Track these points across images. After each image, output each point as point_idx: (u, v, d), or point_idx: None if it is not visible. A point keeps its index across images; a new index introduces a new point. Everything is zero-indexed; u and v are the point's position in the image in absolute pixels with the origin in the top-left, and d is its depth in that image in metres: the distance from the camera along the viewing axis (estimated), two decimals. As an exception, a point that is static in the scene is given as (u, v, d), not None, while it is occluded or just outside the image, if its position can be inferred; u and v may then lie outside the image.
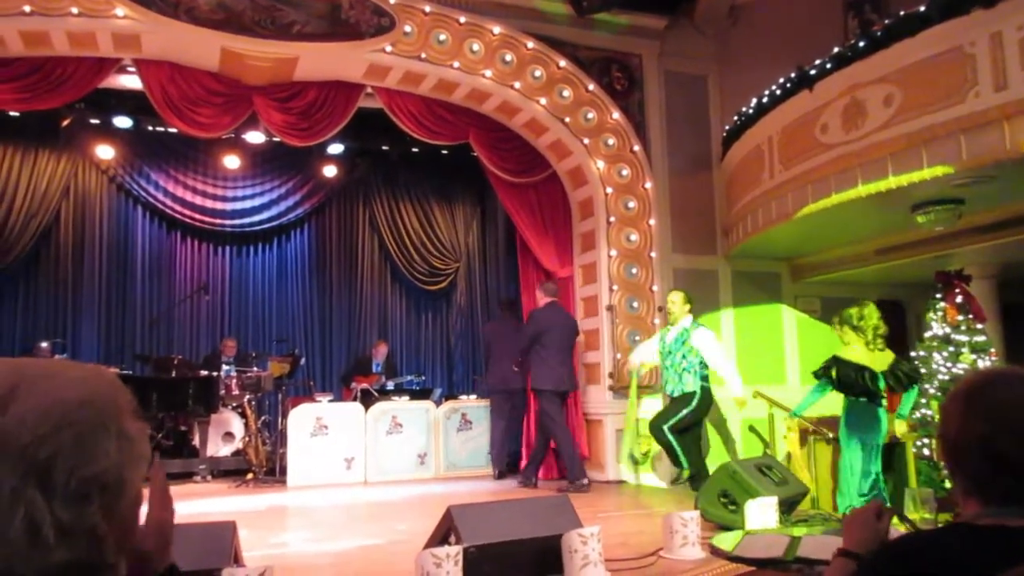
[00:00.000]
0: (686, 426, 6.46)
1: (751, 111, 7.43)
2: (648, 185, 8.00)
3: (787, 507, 4.43)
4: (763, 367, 8.29)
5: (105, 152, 9.35)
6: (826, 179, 6.48)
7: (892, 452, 6.33)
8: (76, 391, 0.85)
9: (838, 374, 5.25)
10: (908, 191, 5.99)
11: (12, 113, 7.53)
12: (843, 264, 8.26)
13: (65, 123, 8.62)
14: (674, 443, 6.42)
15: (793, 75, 6.78)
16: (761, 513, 4.03)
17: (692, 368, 6.47)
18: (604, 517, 5.15)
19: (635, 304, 7.82)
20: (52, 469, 0.79)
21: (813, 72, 6.57)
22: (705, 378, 6.47)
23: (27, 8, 6.03)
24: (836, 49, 6.43)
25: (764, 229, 7.36)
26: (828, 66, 6.43)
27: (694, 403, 6.41)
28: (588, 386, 7.97)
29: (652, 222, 7.98)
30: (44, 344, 8.49)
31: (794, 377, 8.55)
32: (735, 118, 7.78)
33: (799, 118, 6.84)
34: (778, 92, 7.03)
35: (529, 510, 3.69)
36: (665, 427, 6.43)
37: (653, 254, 7.95)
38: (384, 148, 9.92)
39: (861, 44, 6.15)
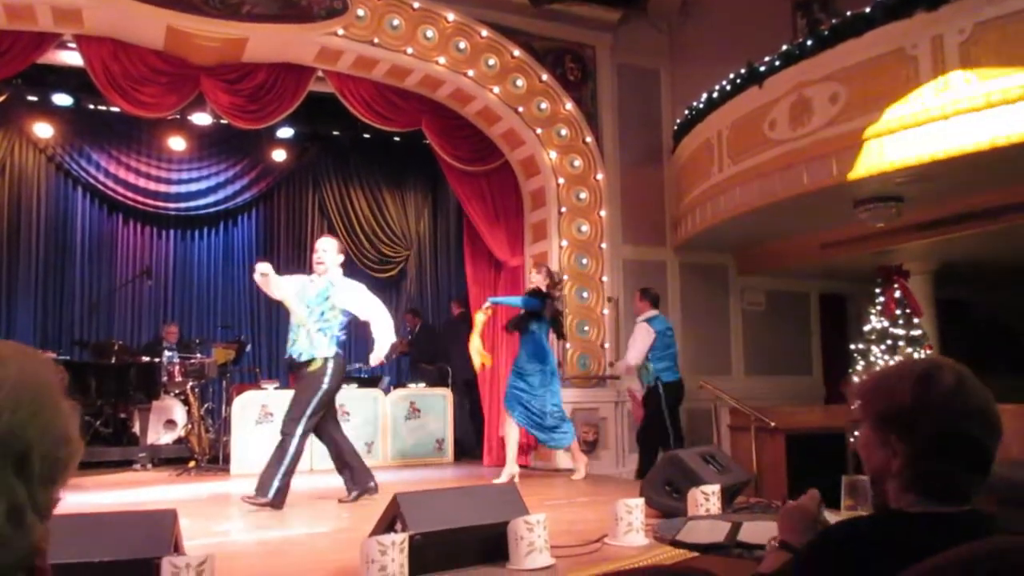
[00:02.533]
0: None
1: (701, 106, 7.53)
2: (600, 176, 8.05)
3: (730, 495, 4.51)
4: (709, 358, 8.44)
5: (43, 130, 9.06)
6: (773, 174, 6.60)
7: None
8: (33, 376, 0.85)
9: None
10: (851, 188, 6.14)
11: (-56, 87, 7.24)
12: (789, 257, 8.44)
13: (1, 99, 8.30)
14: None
15: (743, 71, 6.89)
16: (704, 500, 4.10)
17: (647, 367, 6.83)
18: (551, 505, 5.18)
19: (585, 295, 7.87)
20: (29, 455, 0.81)
21: (762, 69, 6.68)
22: None
23: (-39, -23, 5.79)
24: (785, 47, 6.55)
25: (712, 222, 7.47)
26: (777, 63, 6.55)
27: None
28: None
29: (603, 213, 8.04)
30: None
31: (738, 368, 8.72)
32: (686, 112, 7.87)
33: (748, 114, 6.95)
34: (728, 88, 7.13)
35: (476, 498, 3.69)
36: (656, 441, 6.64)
37: (604, 245, 8.01)
38: (335, 133, 9.80)
39: (809, 43, 6.27)
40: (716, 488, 4.18)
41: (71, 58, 7.04)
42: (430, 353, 9.71)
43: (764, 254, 8.63)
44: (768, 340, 8.85)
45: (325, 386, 5.21)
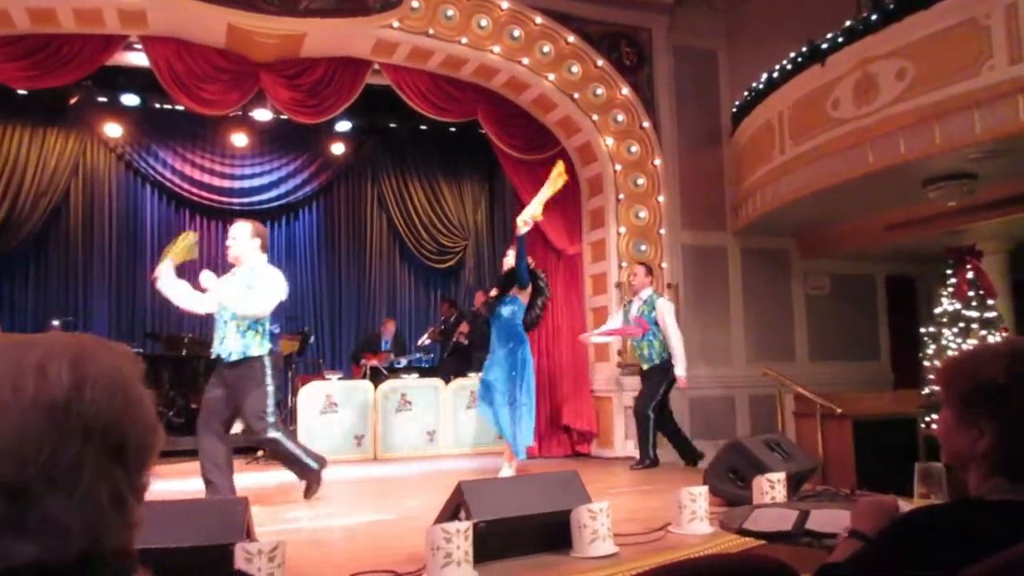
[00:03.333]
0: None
1: (761, 86, 7.37)
2: (657, 162, 7.95)
3: (795, 482, 4.44)
4: (772, 344, 8.30)
5: (113, 130, 9.35)
6: (837, 154, 6.43)
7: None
8: (120, 368, 0.90)
9: None
10: (919, 166, 5.94)
11: (20, 91, 7.51)
12: (853, 240, 8.22)
13: (73, 101, 8.62)
14: (652, 427, 6.42)
15: (804, 49, 6.71)
16: (769, 488, 4.04)
17: (660, 339, 6.46)
18: (613, 493, 5.18)
19: (644, 281, 7.79)
20: (125, 443, 0.86)
21: (824, 46, 6.50)
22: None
23: (33, -15, 6.01)
24: (848, 23, 6.35)
25: (773, 206, 7.32)
26: (840, 40, 6.36)
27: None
28: (597, 364, 7.98)
29: (661, 199, 7.95)
30: (56, 323, 8.54)
31: (803, 354, 8.54)
32: (745, 93, 7.72)
33: (810, 93, 6.78)
34: (789, 67, 6.96)
35: (538, 486, 3.71)
36: (650, 410, 6.41)
37: (662, 231, 7.92)
38: (392, 125, 9.89)
39: (873, 18, 6.07)
40: (782, 476, 4.12)
41: (137, 59, 7.23)
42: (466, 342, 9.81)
43: (828, 237, 8.42)
44: (833, 325, 8.65)
45: (270, 387, 4.78)
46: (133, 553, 0.90)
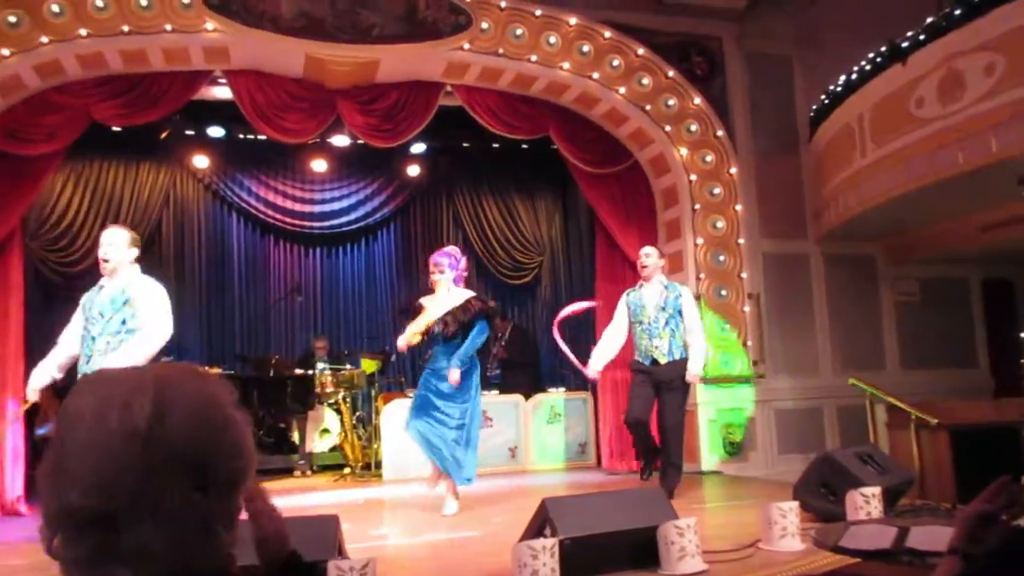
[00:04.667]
0: None
1: (839, 89, 7.19)
2: (733, 170, 7.83)
3: (891, 497, 4.28)
4: (859, 353, 8.03)
5: (201, 161, 9.75)
6: (923, 155, 6.21)
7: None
8: (200, 393, 0.92)
9: None
10: (1014, 163, 5.69)
11: (115, 128, 7.92)
12: (944, 243, 7.90)
13: (163, 135, 9.02)
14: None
15: (883, 49, 6.53)
16: (864, 503, 3.91)
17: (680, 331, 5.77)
18: (698, 508, 5.10)
19: (723, 292, 7.68)
20: (207, 469, 0.88)
21: (905, 45, 6.31)
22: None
23: (125, 28, 6.34)
24: (930, 19, 6.15)
25: (857, 211, 7.11)
26: (921, 37, 6.16)
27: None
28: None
29: (739, 208, 7.82)
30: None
31: (893, 363, 8.24)
32: (822, 97, 7.55)
33: (891, 94, 6.58)
34: (868, 68, 6.78)
35: (623, 502, 3.68)
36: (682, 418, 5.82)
37: (741, 240, 7.78)
38: (465, 145, 10.00)
39: (957, 12, 5.86)
40: (877, 490, 3.98)
41: (222, 92, 7.54)
42: (526, 355, 9.82)
43: (916, 241, 8.12)
44: (925, 331, 8.31)
45: None
46: (231, 574, 0.93)
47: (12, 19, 6.08)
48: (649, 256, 5.92)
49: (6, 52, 6.12)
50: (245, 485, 0.94)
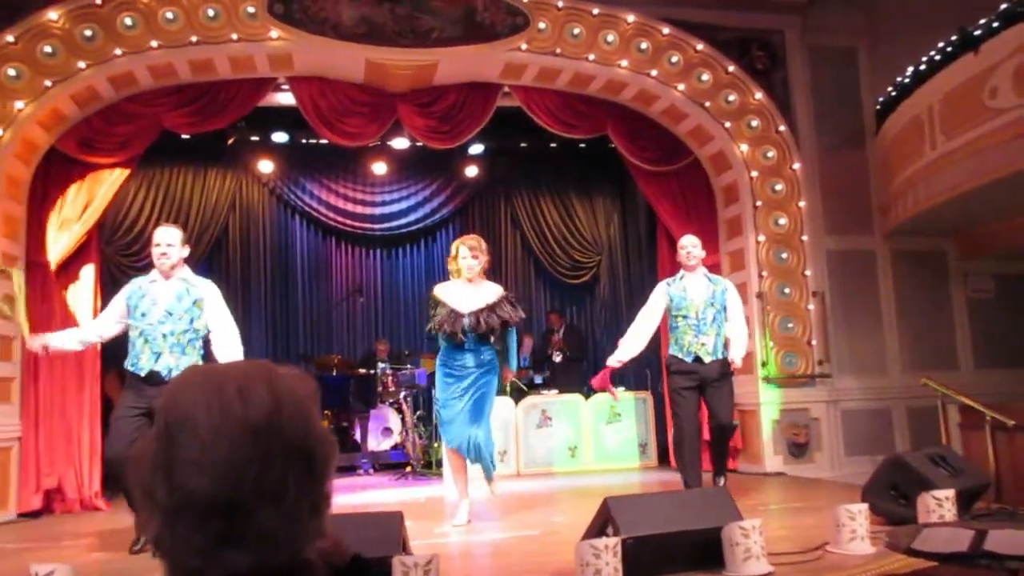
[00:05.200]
0: None
1: (907, 80, 6.99)
2: (796, 166, 7.68)
3: (966, 500, 4.14)
4: (930, 352, 7.79)
5: (265, 166, 9.99)
6: (997, 147, 5.99)
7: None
8: (298, 390, 0.98)
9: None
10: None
11: (184, 136, 8.17)
12: (1019, 237, 7.60)
13: (230, 142, 9.27)
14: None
15: (954, 38, 6.32)
16: (937, 507, 3.80)
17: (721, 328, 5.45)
18: (762, 510, 5.02)
19: (787, 290, 7.53)
20: (314, 456, 0.94)
21: (978, 33, 6.10)
22: None
23: (194, 38, 6.54)
24: (1004, 6, 5.93)
25: (926, 205, 6.90)
26: (995, 25, 5.95)
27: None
28: (740, 375, 7.75)
29: (802, 204, 7.66)
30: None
31: (967, 362, 7.96)
32: (889, 89, 7.34)
33: (963, 84, 6.36)
34: (938, 58, 6.57)
35: (686, 502, 3.66)
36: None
37: (804, 237, 7.62)
38: (523, 145, 10.03)
39: (1033, -2, 5.65)
40: (950, 493, 3.86)
41: (285, 99, 7.72)
42: (578, 353, 9.80)
43: (989, 235, 7.83)
44: (1001, 329, 8.00)
45: None
46: (324, 559, 0.97)
47: (88, 33, 6.33)
48: (696, 246, 5.55)
49: (82, 64, 6.37)
50: (333, 471, 0.99)
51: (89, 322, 4.80)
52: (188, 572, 0.90)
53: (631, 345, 5.59)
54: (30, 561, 3.24)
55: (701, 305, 5.39)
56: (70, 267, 6.84)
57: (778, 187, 7.63)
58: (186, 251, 4.67)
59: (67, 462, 6.49)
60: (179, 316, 4.49)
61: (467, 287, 5.10)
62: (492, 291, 5.14)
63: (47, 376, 6.55)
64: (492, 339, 5.09)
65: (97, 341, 4.89)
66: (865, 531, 3.53)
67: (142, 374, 4.40)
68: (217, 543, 0.88)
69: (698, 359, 5.33)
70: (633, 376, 9.18)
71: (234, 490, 0.88)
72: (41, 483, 6.33)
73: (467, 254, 5.08)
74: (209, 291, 4.63)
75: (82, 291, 6.87)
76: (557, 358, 9.63)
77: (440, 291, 5.16)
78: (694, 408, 5.39)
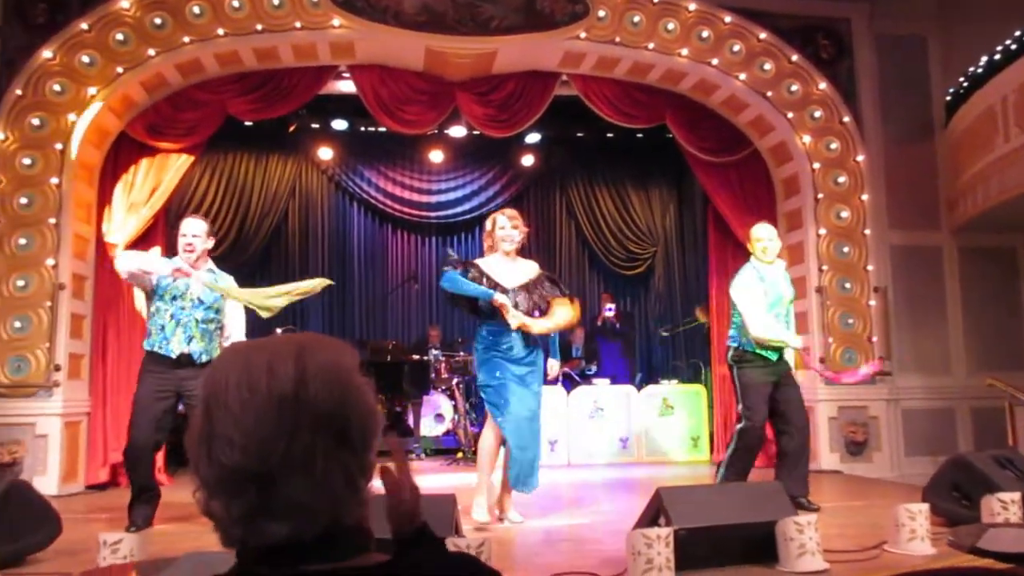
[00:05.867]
0: None
1: (980, 70, 6.77)
2: (860, 158, 7.50)
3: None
4: (998, 352, 7.54)
5: (325, 153, 10.14)
6: (1075, 140, 5.77)
7: None
8: (337, 360, 0.99)
9: None
10: None
11: (246, 123, 8.34)
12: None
13: (291, 129, 9.43)
14: None
15: (1032, 26, 6.09)
16: (1002, 509, 3.69)
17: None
18: (818, 507, 4.93)
19: (847, 285, 7.37)
20: (348, 428, 0.95)
21: (1057, 21, 5.87)
22: None
23: (259, 26, 6.67)
24: (1086, -8, 5.69)
25: (998, 200, 6.67)
26: (1076, 12, 5.71)
27: None
28: (796, 371, 7.61)
29: (865, 197, 7.47)
30: (279, 331, 9.34)
31: (1037, 362, 7.69)
32: (961, 80, 7.11)
33: (1040, 74, 6.13)
34: (1013, 47, 6.35)
35: (739, 495, 3.62)
36: None
37: (867, 231, 7.44)
38: (579, 135, 9.99)
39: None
40: (1016, 496, 3.74)
41: (346, 87, 7.82)
42: (627, 337, 9.83)
43: (1065, 231, 7.55)
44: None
45: None
46: (369, 528, 0.99)
47: (158, 21, 6.50)
48: (774, 239, 5.16)
49: (152, 52, 6.55)
50: (376, 441, 0.99)
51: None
52: (233, 541, 0.94)
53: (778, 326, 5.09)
54: (99, 531, 3.38)
55: (788, 298, 5.16)
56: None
57: (841, 179, 7.46)
58: (210, 243, 4.76)
59: (132, 437, 6.71)
60: (208, 305, 4.66)
61: (505, 262, 4.74)
62: (530, 267, 4.86)
63: (115, 353, 6.79)
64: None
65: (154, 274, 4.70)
66: (925, 531, 3.45)
67: (173, 355, 4.51)
68: (253, 513, 0.91)
69: (768, 356, 5.01)
70: (686, 368, 9.11)
71: (262, 462, 0.90)
72: (108, 457, 6.57)
73: (506, 223, 4.73)
74: (231, 284, 4.82)
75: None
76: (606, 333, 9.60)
77: (481, 263, 4.80)
78: (768, 402, 5.05)
